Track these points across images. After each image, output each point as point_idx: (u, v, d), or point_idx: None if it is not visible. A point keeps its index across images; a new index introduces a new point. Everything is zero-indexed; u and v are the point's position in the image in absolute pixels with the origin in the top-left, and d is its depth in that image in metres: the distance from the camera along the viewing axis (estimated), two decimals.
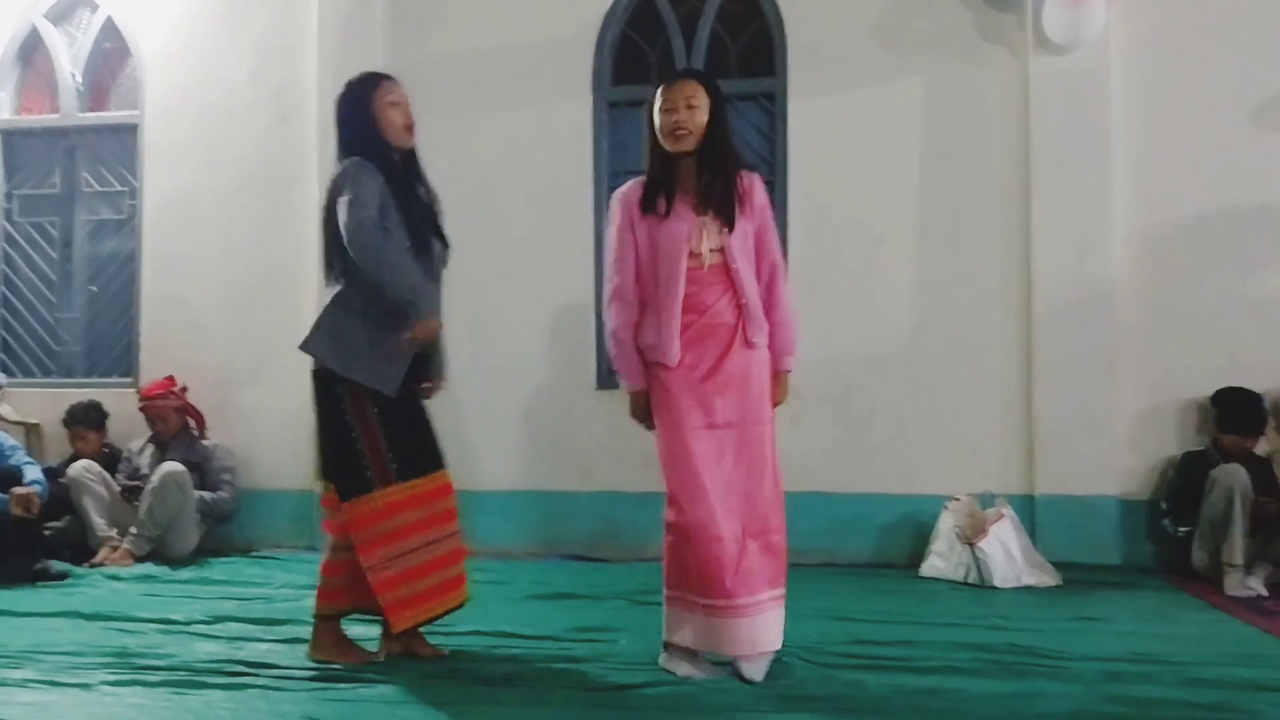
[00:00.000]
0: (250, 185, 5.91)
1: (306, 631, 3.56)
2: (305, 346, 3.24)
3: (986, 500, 4.89)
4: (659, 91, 3.11)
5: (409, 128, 3.29)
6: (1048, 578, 4.62)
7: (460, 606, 3.31)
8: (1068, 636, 3.61)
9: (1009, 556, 4.60)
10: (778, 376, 3.17)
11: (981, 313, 5.26)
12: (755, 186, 3.15)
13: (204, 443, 5.60)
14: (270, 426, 5.78)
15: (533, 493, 5.51)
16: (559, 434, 5.52)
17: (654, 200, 3.07)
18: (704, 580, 2.95)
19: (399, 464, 3.18)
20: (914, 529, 5.16)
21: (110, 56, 6.40)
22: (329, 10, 5.86)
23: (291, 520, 5.74)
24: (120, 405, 5.79)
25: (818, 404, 5.37)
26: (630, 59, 5.77)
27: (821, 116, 5.43)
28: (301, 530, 5.71)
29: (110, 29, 6.29)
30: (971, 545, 4.65)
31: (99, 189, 6.35)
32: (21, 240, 6.41)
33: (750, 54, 5.65)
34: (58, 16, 6.38)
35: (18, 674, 3.06)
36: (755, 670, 3.01)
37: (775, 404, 3.17)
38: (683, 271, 3.01)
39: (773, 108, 5.57)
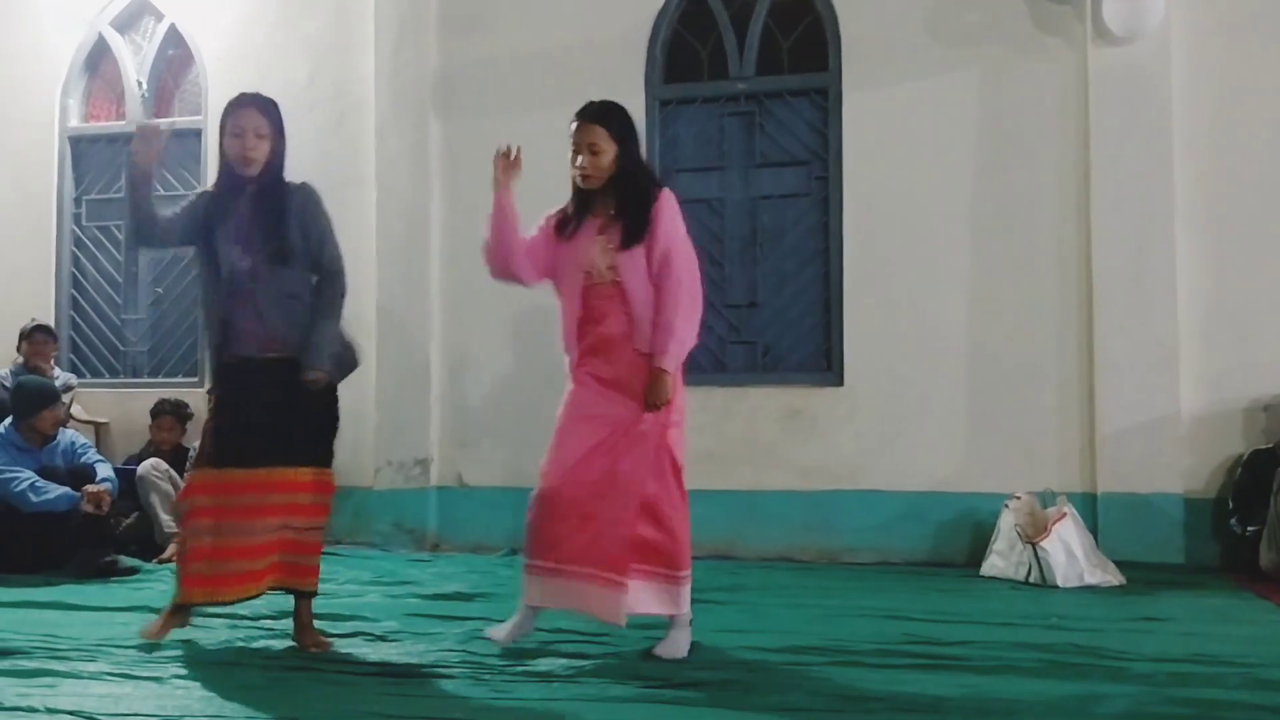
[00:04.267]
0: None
1: (371, 626, 3.64)
2: None
3: (1047, 498, 4.83)
4: (572, 126, 3.31)
5: (245, 158, 3.39)
6: (1111, 577, 4.56)
7: (254, 597, 3.43)
8: (1130, 637, 3.55)
9: (1071, 556, 4.54)
10: (652, 375, 3.23)
11: (1039, 307, 5.20)
12: (662, 206, 3.28)
13: None
14: None
15: None
16: None
17: (565, 227, 3.35)
18: (540, 541, 3.22)
19: (218, 450, 3.37)
20: (971, 527, 5.11)
21: (174, 63, 6.56)
22: (384, 11, 5.95)
23: (350, 517, 5.84)
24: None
25: (871, 400, 5.35)
26: (682, 56, 5.78)
27: (875, 111, 5.40)
28: (362, 526, 5.82)
29: (174, 36, 6.45)
30: (1033, 544, 4.60)
31: (164, 193, 6.49)
32: (89, 244, 6.60)
33: (803, 50, 5.63)
34: (124, 25, 6.55)
35: (93, 666, 3.15)
36: (669, 649, 3.26)
37: (650, 402, 3.21)
38: (578, 287, 3.30)
39: (825, 103, 5.55)
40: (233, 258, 3.38)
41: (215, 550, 3.36)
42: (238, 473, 3.36)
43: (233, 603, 3.46)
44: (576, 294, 3.30)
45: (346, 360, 3.56)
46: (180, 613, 3.46)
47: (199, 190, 3.59)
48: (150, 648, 3.37)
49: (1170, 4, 4.98)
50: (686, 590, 3.30)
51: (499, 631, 3.34)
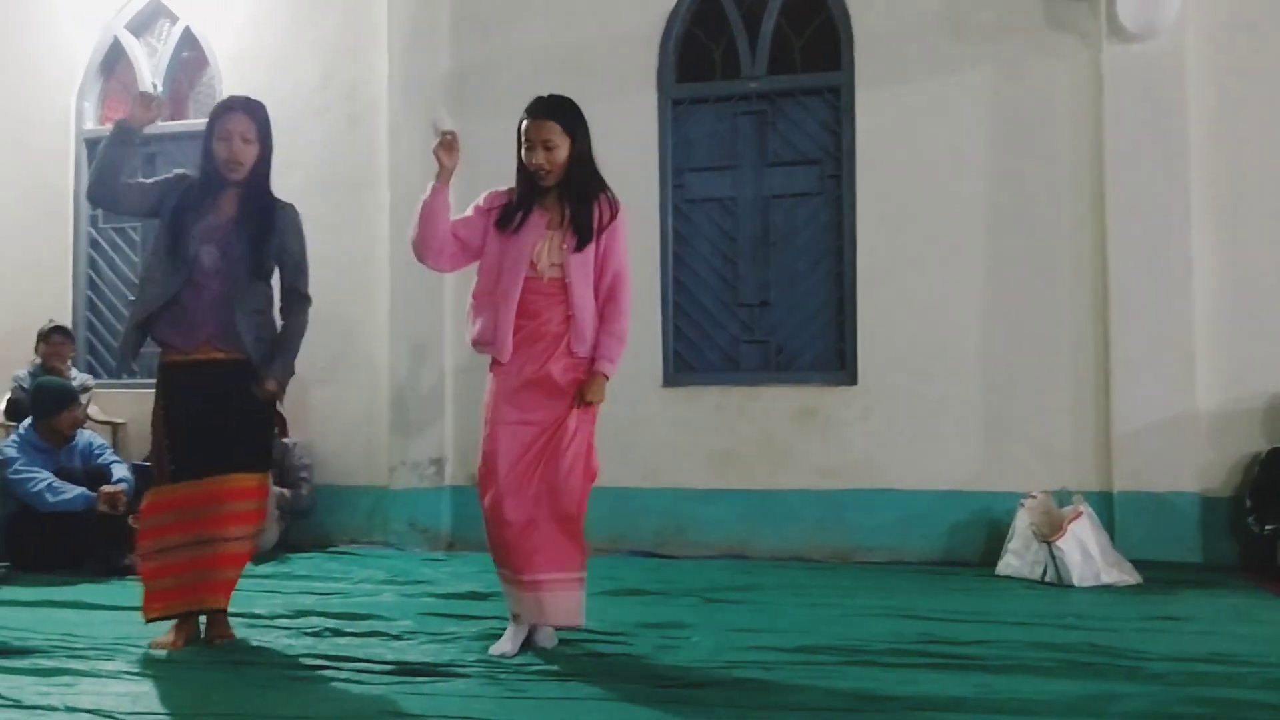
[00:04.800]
0: (322, 188, 6.03)
1: (386, 625, 3.66)
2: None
3: (1063, 497, 4.81)
4: (522, 122, 3.34)
5: (232, 162, 3.42)
6: (1127, 576, 4.54)
7: (213, 610, 3.48)
8: (1147, 636, 3.54)
9: (1087, 555, 4.52)
10: (594, 376, 3.31)
11: (1054, 305, 5.18)
12: (621, 222, 3.37)
13: (282, 441, 5.73)
14: (344, 424, 5.92)
15: (599, 489, 5.50)
16: (625, 430, 5.54)
17: (510, 219, 3.33)
18: (501, 555, 3.31)
19: (175, 466, 3.40)
20: (986, 526, 5.10)
21: (188, 65, 6.59)
22: (396, 12, 5.96)
23: (367, 516, 5.87)
24: None
25: (885, 399, 5.33)
26: (694, 56, 5.78)
27: (888, 109, 5.39)
28: (376, 526, 5.84)
29: (188, 38, 6.48)
30: (1049, 543, 4.58)
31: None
32: (105, 245, 6.63)
33: (815, 48, 5.62)
34: (138, 28, 6.59)
35: (110, 665, 3.18)
36: (545, 638, 3.37)
37: (588, 400, 3.31)
38: (520, 280, 3.28)
39: (838, 102, 5.54)
40: (205, 254, 3.39)
41: (186, 564, 3.39)
42: (194, 485, 3.39)
43: (188, 614, 3.46)
44: (517, 285, 3.28)
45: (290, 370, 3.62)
46: (189, 623, 3.47)
47: (178, 172, 3.57)
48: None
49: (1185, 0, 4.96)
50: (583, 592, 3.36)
51: (502, 645, 3.34)
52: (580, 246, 3.30)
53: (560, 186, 3.32)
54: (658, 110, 5.67)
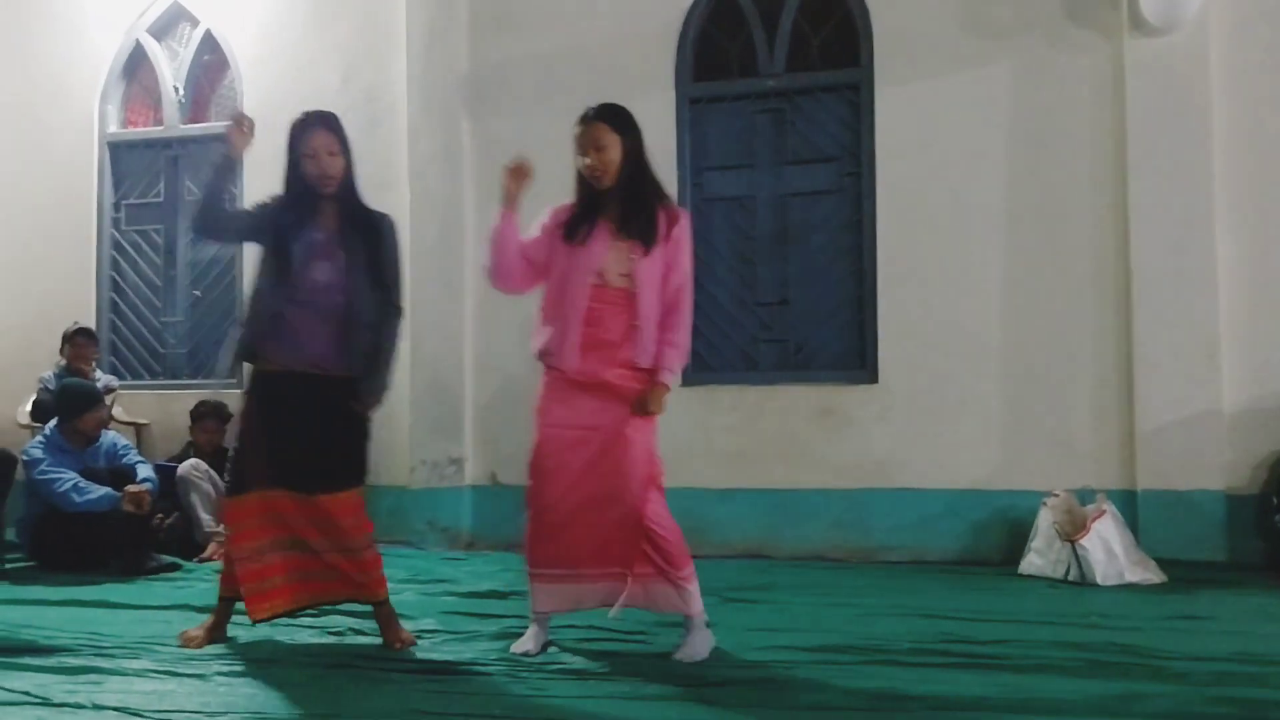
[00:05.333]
0: None
1: (408, 624, 3.67)
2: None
3: (1085, 496, 4.78)
4: (575, 131, 3.33)
5: (324, 178, 3.44)
6: (1151, 575, 4.51)
7: (310, 607, 3.55)
8: (1171, 636, 3.51)
9: (1110, 553, 4.49)
10: (656, 386, 3.29)
11: (1076, 302, 5.15)
12: (685, 229, 3.36)
13: None
14: None
15: None
16: None
17: (576, 230, 3.31)
18: (548, 552, 3.32)
19: (271, 473, 3.40)
20: (1008, 525, 5.07)
21: (209, 68, 6.64)
22: (414, 13, 5.99)
23: (388, 515, 5.87)
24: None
25: (905, 397, 5.32)
26: (712, 54, 5.78)
27: (907, 106, 5.37)
28: (397, 525, 5.86)
29: (209, 41, 6.53)
30: (1072, 542, 4.56)
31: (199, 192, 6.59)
32: (129, 248, 6.69)
33: (833, 45, 5.61)
34: (160, 32, 6.65)
35: (136, 664, 3.21)
36: (687, 654, 3.25)
37: (649, 411, 3.29)
38: (588, 291, 3.27)
39: (857, 98, 5.52)
40: (317, 269, 3.41)
41: (276, 567, 3.42)
42: (289, 495, 3.40)
43: (295, 613, 3.52)
44: (584, 298, 3.28)
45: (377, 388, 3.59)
46: (220, 626, 3.52)
47: (272, 196, 3.56)
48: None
49: None
50: (692, 591, 3.30)
51: (524, 644, 3.35)
52: (646, 253, 3.27)
53: (619, 193, 3.30)
54: (675, 109, 5.67)
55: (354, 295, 3.41)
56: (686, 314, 3.35)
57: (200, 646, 3.43)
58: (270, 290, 3.42)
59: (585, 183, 3.34)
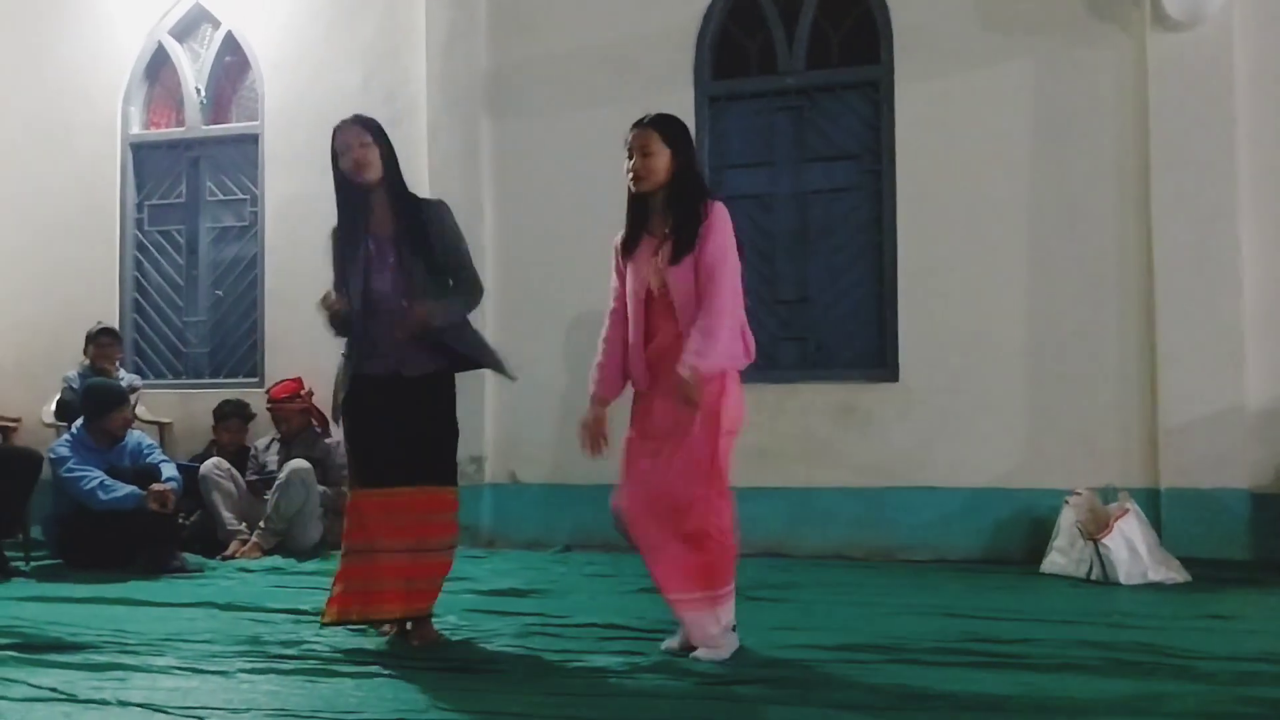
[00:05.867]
0: None
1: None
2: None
3: (1108, 494, 4.75)
4: (628, 135, 3.32)
5: (358, 166, 3.47)
6: (1175, 575, 4.47)
7: (401, 618, 3.46)
8: (1196, 635, 3.48)
9: (1134, 553, 4.46)
10: (677, 375, 3.16)
11: (1098, 299, 5.12)
12: (714, 221, 3.27)
13: (326, 441, 5.80)
14: None
15: None
16: None
17: (629, 248, 3.37)
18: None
19: (364, 471, 3.45)
20: (1030, 524, 5.04)
21: (231, 69, 6.68)
22: (434, 14, 6.01)
23: None
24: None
25: (926, 395, 5.30)
26: (731, 52, 5.77)
27: (928, 103, 5.35)
28: None
29: (231, 43, 6.57)
30: (1094, 541, 4.53)
31: (222, 197, 6.64)
32: (151, 248, 6.74)
33: (853, 42, 5.59)
34: (182, 33, 6.69)
35: (161, 661, 3.23)
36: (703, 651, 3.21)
37: (685, 401, 3.16)
38: (641, 303, 3.32)
39: (876, 96, 5.50)
40: (378, 280, 3.45)
41: (366, 569, 3.42)
42: (385, 492, 3.42)
43: (382, 621, 3.50)
44: (640, 311, 3.31)
45: (487, 357, 3.60)
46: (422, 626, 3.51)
47: (331, 230, 3.58)
48: (216, 643, 3.45)
49: None
50: (729, 606, 3.26)
51: (673, 642, 3.32)
52: (678, 260, 3.24)
53: (665, 203, 3.31)
54: (694, 107, 5.66)
55: (413, 297, 3.42)
56: (718, 300, 3.18)
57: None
58: (350, 313, 3.46)
59: (633, 197, 3.35)
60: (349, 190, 3.51)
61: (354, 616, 3.44)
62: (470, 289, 3.58)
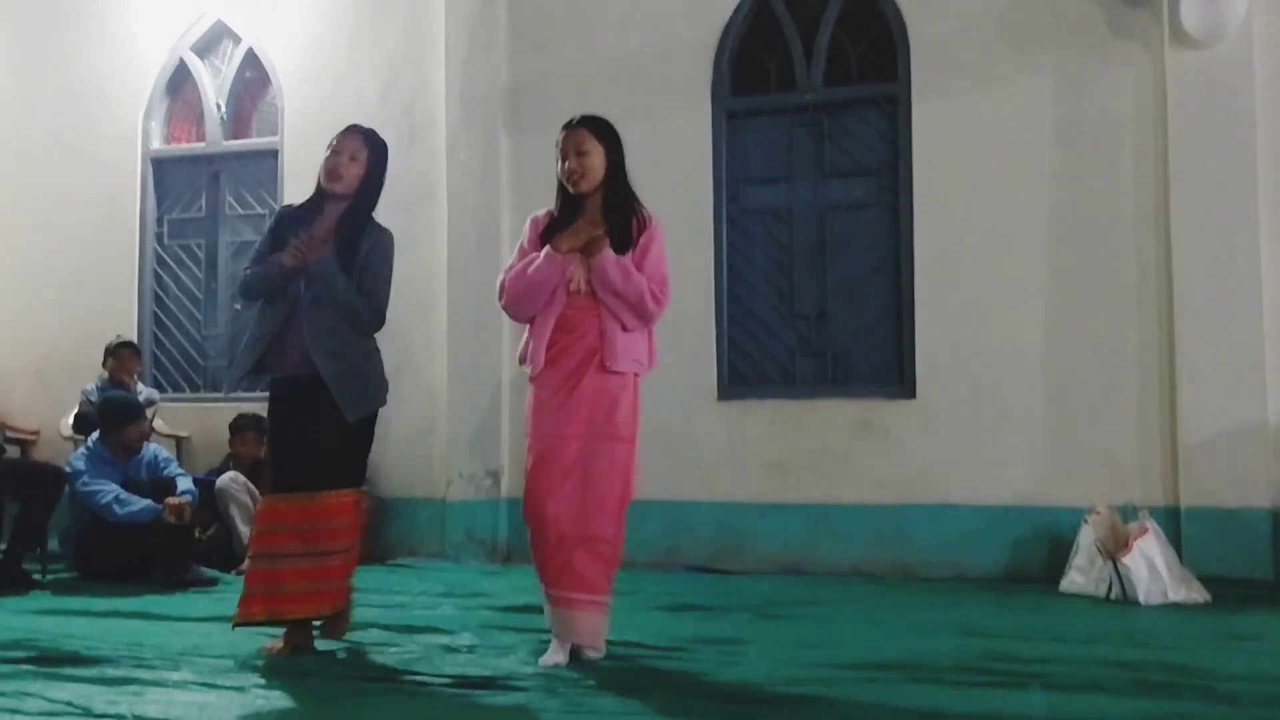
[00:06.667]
0: (381, 204, 6.10)
1: (444, 639, 3.68)
2: None
3: (1128, 513, 4.71)
4: (558, 139, 3.38)
5: (333, 173, 3.52)
6: (1196, 594, 4.42)
7: (305, 619, 3.51)
8: (1218, 655, 3.44)
9: (1154, 572, 4.42)
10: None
11: (1118, 316, 5.09)
12: (654, 235, 3.37)
13: None
14: (403, 437, 5.97)
15: (655, 502, 5.53)
16: (680, 443, 5.54)
17: (552, 234, 3.37)
18: (538, 566, 3.34)
19: (274, 475, 3.53)
20: (1049, 542, 5.01)
21: (251, 85, 6.73)
22: (453, 28, 6.04)
23: (425, 529, 5.91)
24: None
25: (945, 412, 5.27)
26: (750, 68, 5.77)
27: (946, 119, 5.34)
28: (434, 538, 5.88)
29: (251, 58, 6.61)
30: (1114, 560, 4.49)
31: (242, 212, 6.68)
32: (171, 262, 6.78)
33: (872, 59, 5.59)
34: (203, 49, 6.74)
35: (177, 675, 3.23)
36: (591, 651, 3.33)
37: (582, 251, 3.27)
38: (560, 297, 3.32)
39: (895, 111, 5.50)
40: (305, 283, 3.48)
41: (275, 574, 3.46)
42: (289, 499, 3.46)
43: (294, 620, 3.51)
44: (556, 304, 3.33)
45: (375, 395, 3.59)
46: (299, 632, 3.53)
47: (283, 206, 3.69)
48: (232, 657, 3.45)
49: (1253, 4, 4.84)
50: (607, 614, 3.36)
51: (553, 657, 3.33)
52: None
53: (602, 204, 3.37)
54: (712, 122, 5.68)
55: (323, 286, 3.43)
56: (659, 296, 3.30)
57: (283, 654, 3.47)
58: (267, 307, 3.55)
59: (564, 191, 3.40)
60: (317, 190, 3.58)
61: (260, 618, 3.48)
62: (371, 304, 3.51)
